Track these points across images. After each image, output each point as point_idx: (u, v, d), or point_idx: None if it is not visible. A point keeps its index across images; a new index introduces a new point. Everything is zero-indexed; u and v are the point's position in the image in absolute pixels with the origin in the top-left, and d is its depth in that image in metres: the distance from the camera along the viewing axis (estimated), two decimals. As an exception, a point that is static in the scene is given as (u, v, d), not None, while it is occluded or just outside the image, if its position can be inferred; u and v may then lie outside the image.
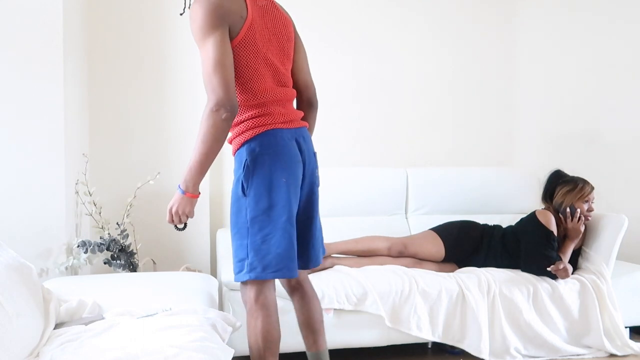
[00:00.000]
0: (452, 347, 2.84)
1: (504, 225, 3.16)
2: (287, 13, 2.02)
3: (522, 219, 3.08)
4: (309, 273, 2.85)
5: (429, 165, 3.67)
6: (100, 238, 2.92)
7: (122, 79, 3.32)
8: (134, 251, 3.05)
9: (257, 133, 1.84)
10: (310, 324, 2.08)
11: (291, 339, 2.63)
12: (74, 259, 2.74)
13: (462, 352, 2.79)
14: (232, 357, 1.88)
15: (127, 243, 2.99)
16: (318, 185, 2.02)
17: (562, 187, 3.04)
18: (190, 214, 1.84)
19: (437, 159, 3.76)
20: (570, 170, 3.15)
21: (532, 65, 3.92)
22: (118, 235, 2.98)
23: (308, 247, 2.00)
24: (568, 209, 2.98)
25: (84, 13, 3.17)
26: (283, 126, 1.87)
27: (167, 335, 1.76)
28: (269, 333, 1.85)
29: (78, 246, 2.80)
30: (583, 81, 3.97)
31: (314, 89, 2.07)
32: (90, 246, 2.80)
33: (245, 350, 2.62)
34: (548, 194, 3.11)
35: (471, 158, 3.80)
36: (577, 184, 3.03)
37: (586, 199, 3.00)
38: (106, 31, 3.30)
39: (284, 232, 1.82)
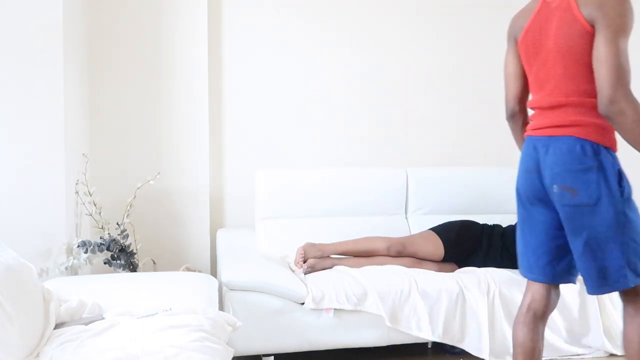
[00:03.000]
0: (452, 347, 2.84)
1: (504, 225, 3.16)
2: (582, 9, 1.74)
3: (522, 219, 3.08)
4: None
5: (429, 165, 3.67)
6: (100, 238, 2.92)
7: (122, 79, 3.32)
8: (134, 251, 3.05)
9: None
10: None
11: (291, 339, 2.65)
12: (74, 259, 2.74)
13: (462, 352, 2.79)
14: (232, 357, 1.89)
15: (127, 243, 3.00)
16: (567, 205, 1.82)
17: (562, 187, 3.03)
18: None
19: (437, 159, 3.75)
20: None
21: (532, 65, 3.92)
22: (118, 235, 2.98)
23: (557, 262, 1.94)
24: (568, 209, 2.97)
25: (84, 13, 3.17)
26: (532, 133, 1.96)
27: (167, 335, 1.76)
28: (513, 331, 1.99)
29: (78, 246, 2.80)
30: (583, 81, 3.96)
31: (603, 95, 1.73)
32: (90, 246, 2.80)
33: (245, 350, 2.64)
34: (548, 194, 3.10)
35: (471, 158, 3.80)
36: (577, 184, 3.02)
37: (586, 199, 3.00)
38: (106, 31, 3.30)
39: (519, 235, 1.99)
